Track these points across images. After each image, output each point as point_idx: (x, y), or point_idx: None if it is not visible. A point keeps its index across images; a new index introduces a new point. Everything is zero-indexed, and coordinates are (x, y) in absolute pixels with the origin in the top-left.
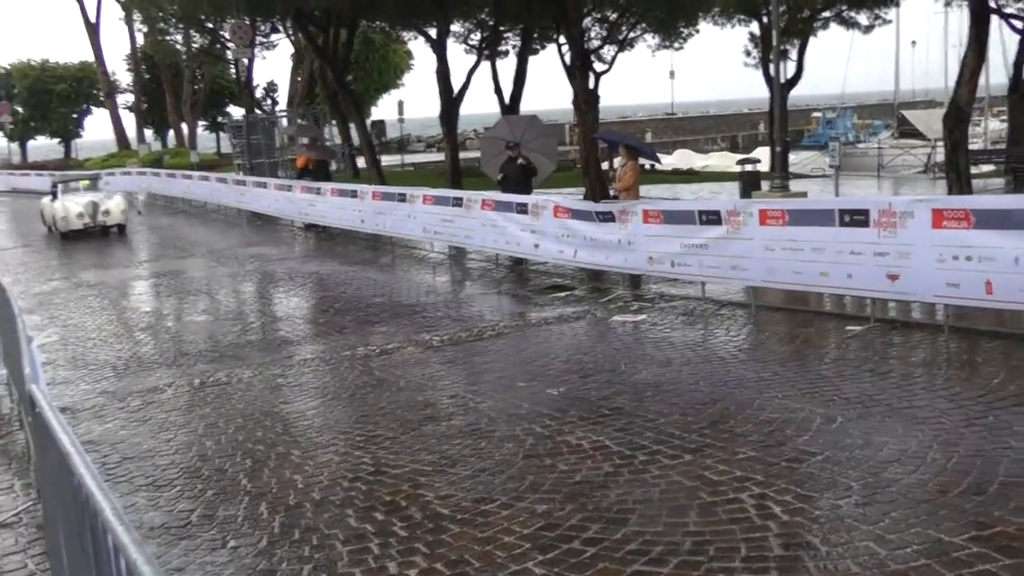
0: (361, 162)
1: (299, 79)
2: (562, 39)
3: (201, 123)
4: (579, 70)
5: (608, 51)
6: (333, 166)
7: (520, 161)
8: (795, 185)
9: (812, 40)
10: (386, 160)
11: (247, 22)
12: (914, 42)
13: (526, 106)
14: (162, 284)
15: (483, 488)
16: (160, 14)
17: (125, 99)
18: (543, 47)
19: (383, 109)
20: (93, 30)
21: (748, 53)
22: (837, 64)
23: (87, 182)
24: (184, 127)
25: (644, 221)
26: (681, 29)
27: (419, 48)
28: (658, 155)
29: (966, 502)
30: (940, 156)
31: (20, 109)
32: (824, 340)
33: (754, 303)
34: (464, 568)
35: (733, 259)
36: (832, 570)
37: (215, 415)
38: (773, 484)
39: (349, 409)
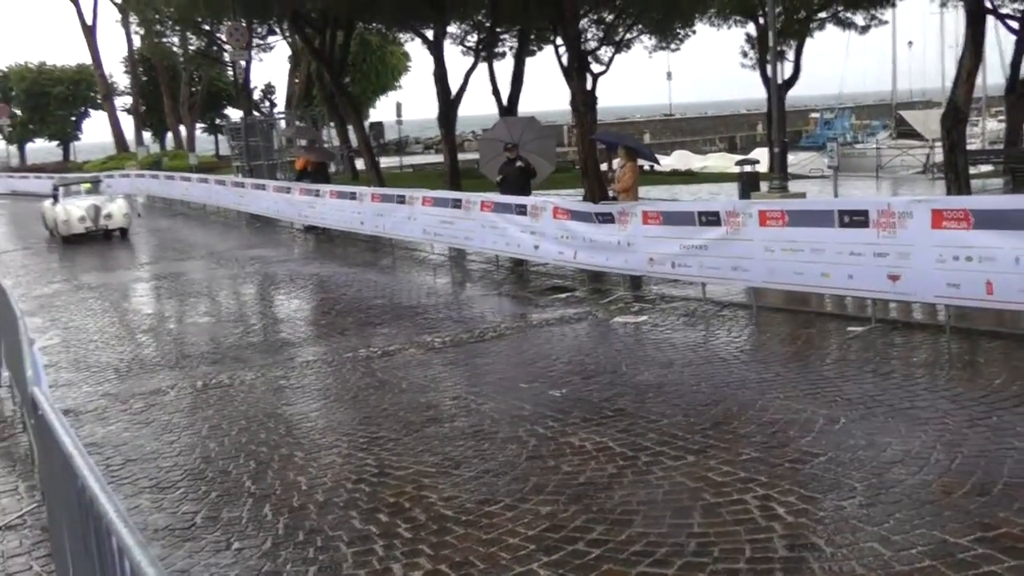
0: (360, 164)
1: (297, 81)
2: (559, 40)
3: (199, 125)
4: (576, 71)
5: (605, 52)
6: (332, 168)
7: (519, 163)
8: (794, 186)
9: (808, 40)
10: (385, 162)
11: (244, 24)
12: (911, 43)
13: (524, 107)
14: (163, 286)
15: (487, 489)
16: (156, 16)
17: (123, 101)
18: (540, 48)
19: (381, 111)
20: (90, 32)
21: (745, 54)
22: (834, 64)
23: (88, 185)
24: (182, 129)
25: (644, 222)
26: (678, 30)
27: (416, 50)
28: (656, 156)
29: (970, 503)
30: (938, 156)
31: (18, 112)
32: (826, 341)
33: (755, 304)
34: (468, 570)
35: (733, 260)
36: (837, 571)
37: (218, 417)
38: (777, 485)
39: (352, 411)
